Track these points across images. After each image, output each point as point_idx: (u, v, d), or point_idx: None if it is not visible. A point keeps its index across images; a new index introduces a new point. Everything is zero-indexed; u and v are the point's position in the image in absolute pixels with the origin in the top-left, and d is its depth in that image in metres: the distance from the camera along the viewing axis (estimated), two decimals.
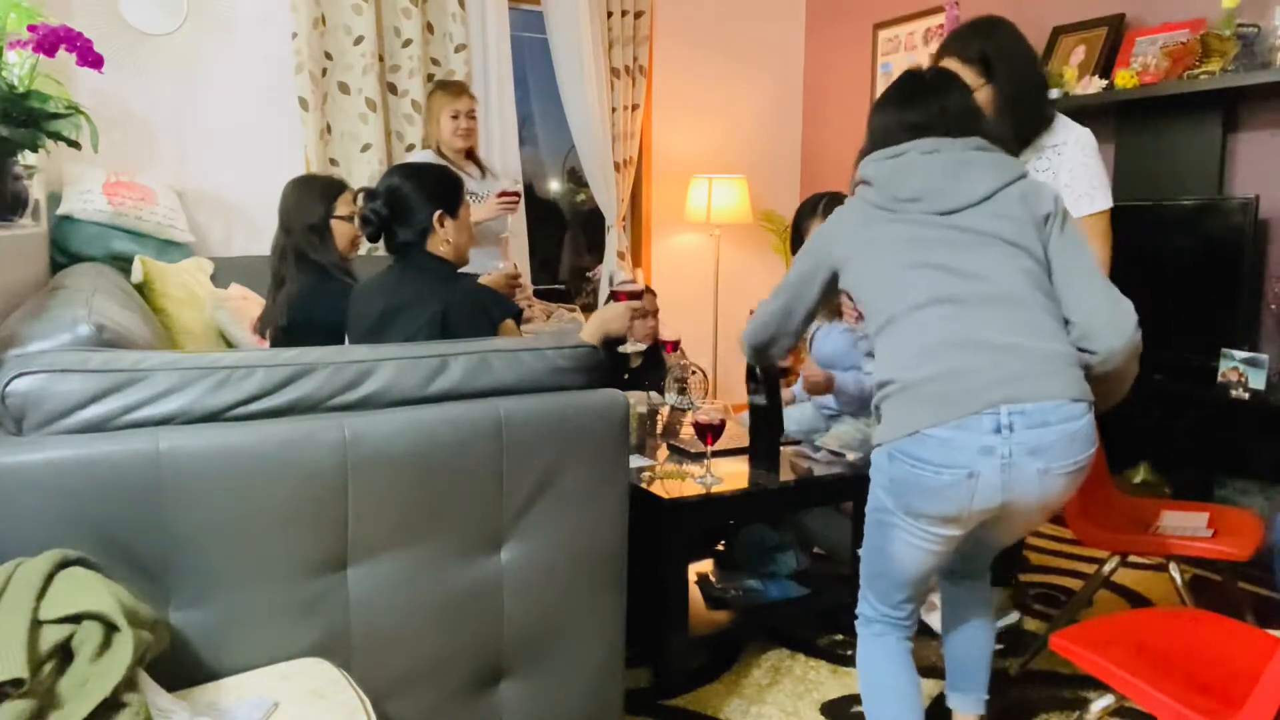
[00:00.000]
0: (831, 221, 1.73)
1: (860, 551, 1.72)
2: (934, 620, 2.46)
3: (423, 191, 2.01)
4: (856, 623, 1.73)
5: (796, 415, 2.86)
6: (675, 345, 3.14)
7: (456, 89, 3.43)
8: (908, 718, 1.64)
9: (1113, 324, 1.54)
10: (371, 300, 2.06)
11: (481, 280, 2.56)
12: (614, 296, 2.22)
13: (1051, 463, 1.47)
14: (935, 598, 2.22)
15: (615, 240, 4.49)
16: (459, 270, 2.10)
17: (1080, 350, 1.55)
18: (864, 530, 1.68)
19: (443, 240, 2.03)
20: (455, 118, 3.37)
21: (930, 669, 2.31)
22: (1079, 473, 1.52)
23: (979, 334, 1.49)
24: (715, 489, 2.23)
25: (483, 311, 1.97)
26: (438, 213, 2.01)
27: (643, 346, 2.81)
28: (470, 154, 3.50)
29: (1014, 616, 2.57)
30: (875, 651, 1.70)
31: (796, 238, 2.74)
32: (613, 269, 2.29)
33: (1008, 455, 1.45)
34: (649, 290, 3.42)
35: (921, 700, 1.67)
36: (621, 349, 2.12)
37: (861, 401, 2.71)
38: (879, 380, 1.59)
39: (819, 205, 2.66)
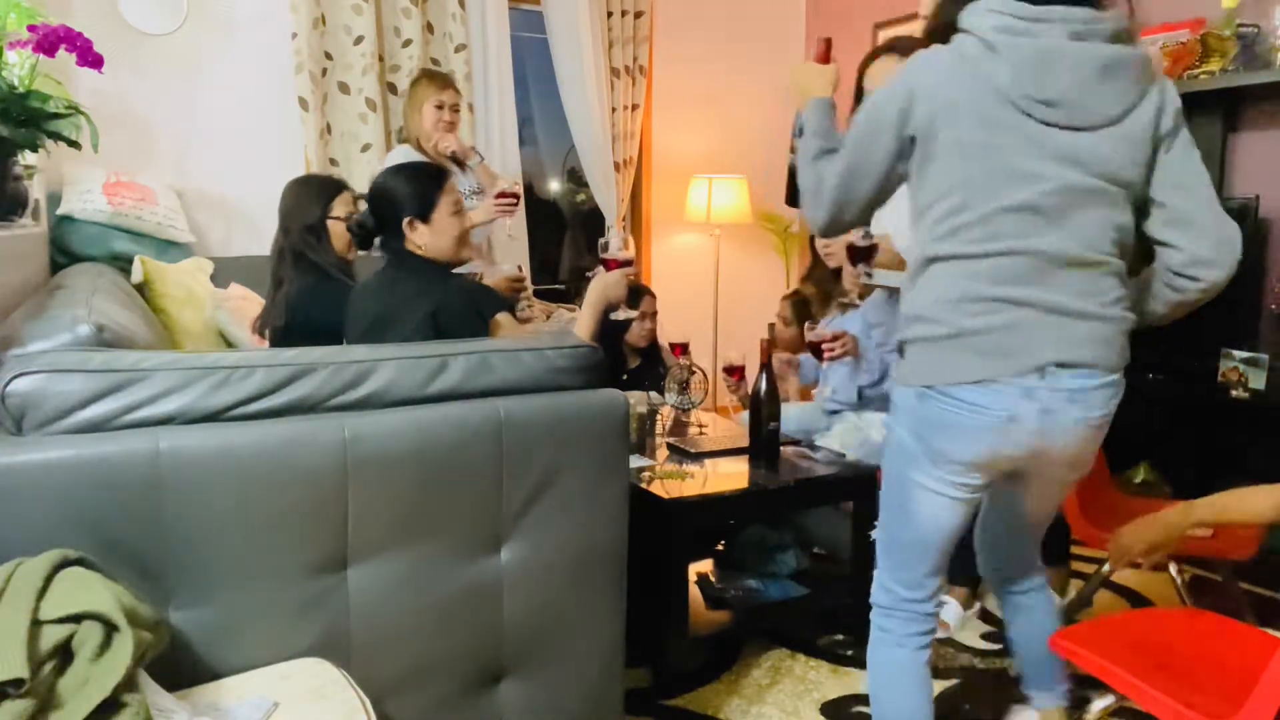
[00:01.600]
0: (938, 79, 1.42)
1: (876, 527, 1.64)
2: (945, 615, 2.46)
3: (396, 198, 2.01)
4: (871, 614, 1.62)
5: (796, 414, 2.86)
6: (684, 348, 3.11)
7: (443, 81, 3.32)
8: None
9: (1223, 253, 1.44)
10: (367, 303, 2.06)
11: (486, 283, 2.54)
12: (605, 265, 2.16)
13: (1089, 412, 1.44)
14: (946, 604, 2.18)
15: None
16: (453, 269, 2.09)
17: (1179, 276, 1.47)
18: (880, 498, 1.61)
19: (415, 246, 2.02)
20: (440, 108, 3.23)
21: (932, 670, 2.31)
22: (1103, 426, 1.49)
23: (1051, 297, 1.41)
24: (715, 489, 2.23)
25: (474, 309, 1.97)
26: (405, 219, 2.00)
27: (634, 313, 2.78)
28: (452, 155, 3.30)
29: (1072, 594, 2.59)
30: (888, 664, 1.60)
31: (858, 92, 2.44)
32: (606, 237, 2.23)
33: (1048, 401, 1.42)
34: (649, 292, 3.41)
35: None
36: (613, 316, 2.11)
37: (877, 378, 2.68)
38: (918, 313, 1.48)
39: (879, 53, 2.41)
